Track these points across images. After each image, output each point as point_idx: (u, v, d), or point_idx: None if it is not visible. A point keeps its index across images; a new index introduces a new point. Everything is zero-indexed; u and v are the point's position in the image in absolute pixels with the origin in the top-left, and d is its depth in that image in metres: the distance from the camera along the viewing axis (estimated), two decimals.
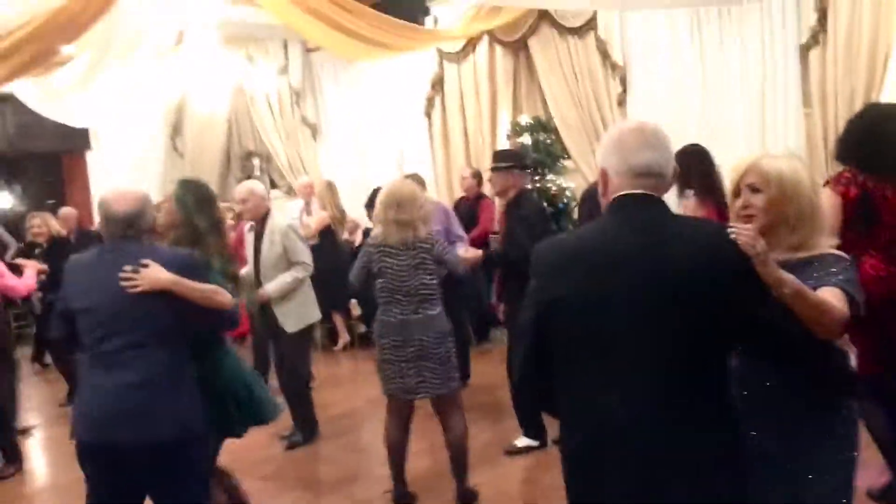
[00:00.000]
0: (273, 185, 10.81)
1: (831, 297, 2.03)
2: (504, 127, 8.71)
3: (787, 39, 7.03)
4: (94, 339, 2.87)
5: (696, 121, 7.45)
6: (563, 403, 1.96)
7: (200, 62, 8.32)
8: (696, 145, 4.53)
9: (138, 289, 2.82)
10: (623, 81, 7.92)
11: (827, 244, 2.21)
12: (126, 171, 10.23)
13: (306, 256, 5.33)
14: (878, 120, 3.40)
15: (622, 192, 1.87)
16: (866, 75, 6.49)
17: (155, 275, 2.84)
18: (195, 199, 3.47)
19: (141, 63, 8.12)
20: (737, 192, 2.24)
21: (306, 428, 5.50)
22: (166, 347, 2.89)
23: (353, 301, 8.41)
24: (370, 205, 6.50)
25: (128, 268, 2.84)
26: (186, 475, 2.89)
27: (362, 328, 8.76)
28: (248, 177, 10.64)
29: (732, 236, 1.83)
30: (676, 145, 7.73)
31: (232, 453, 5.23)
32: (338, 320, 8.45)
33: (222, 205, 4.08)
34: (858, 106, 5.37)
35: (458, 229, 6.29)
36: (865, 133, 3.38)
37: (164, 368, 2.87)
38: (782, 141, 7.00)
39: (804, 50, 6.94)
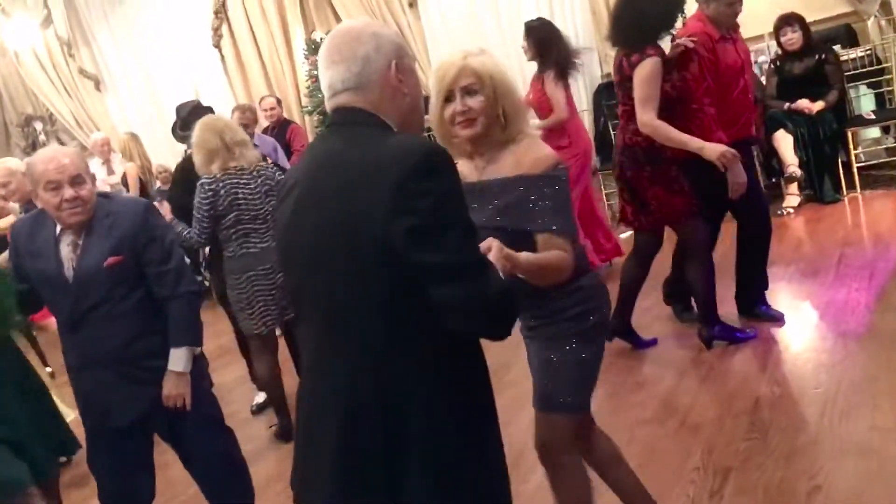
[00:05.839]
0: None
1: (550, 246, 1.96)
2: (300, 46, 8.52)
3: None
4: None
5: (490, 11, 7.64)
6: None
7: None
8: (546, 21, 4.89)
9: None
10: None
11: (528, 128, 2.11)
12: None
13: None
14: (618, 3, 3.85)
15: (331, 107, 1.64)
16: None
17: None
18: None
19: None
20: (448, 98, 2.03)
21: None
22: None
23: None
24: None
25: None
26: None
27: None
28: (34, 144, 9.82)
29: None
30: (473, 37, 7.87)
31: None
32: None
33: None
34: None
35: (286, 163, 6.09)
36: (612, 13, 3.89)
37: None
38: (570, 20, 7.36)
39: None
